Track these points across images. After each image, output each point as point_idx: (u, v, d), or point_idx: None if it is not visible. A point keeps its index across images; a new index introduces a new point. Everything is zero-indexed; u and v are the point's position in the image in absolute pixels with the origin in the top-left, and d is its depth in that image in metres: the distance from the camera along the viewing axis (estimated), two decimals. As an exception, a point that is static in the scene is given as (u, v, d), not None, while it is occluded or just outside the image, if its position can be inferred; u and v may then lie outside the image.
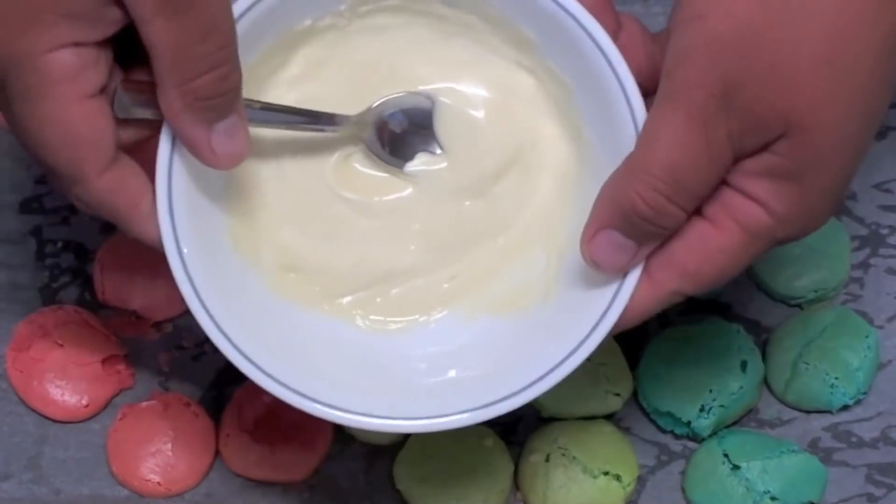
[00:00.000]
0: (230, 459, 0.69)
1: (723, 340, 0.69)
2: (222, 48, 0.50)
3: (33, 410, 0.70)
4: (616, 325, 0.54)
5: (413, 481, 0.68)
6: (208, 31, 0.50)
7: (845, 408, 0.70)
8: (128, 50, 0.52)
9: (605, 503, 0.67)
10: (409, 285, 0.60)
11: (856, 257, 0.73)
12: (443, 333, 0.60)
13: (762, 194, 0.50)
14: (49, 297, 0.72)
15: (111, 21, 0.50)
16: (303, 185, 0.59)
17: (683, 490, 0.69)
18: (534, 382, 0.54)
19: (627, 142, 0.53)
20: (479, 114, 0.60)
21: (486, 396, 0.55)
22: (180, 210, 0.54)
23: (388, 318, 0.60)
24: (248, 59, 0.55)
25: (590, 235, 0.53)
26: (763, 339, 0.72)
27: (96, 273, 0.71)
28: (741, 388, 0.68)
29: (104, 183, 0.52)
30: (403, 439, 0.69)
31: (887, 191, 0.75)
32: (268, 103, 0.56)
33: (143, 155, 0.55)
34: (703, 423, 0.68)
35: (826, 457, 0.69)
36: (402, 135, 0.59)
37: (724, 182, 0.51)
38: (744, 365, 0.69)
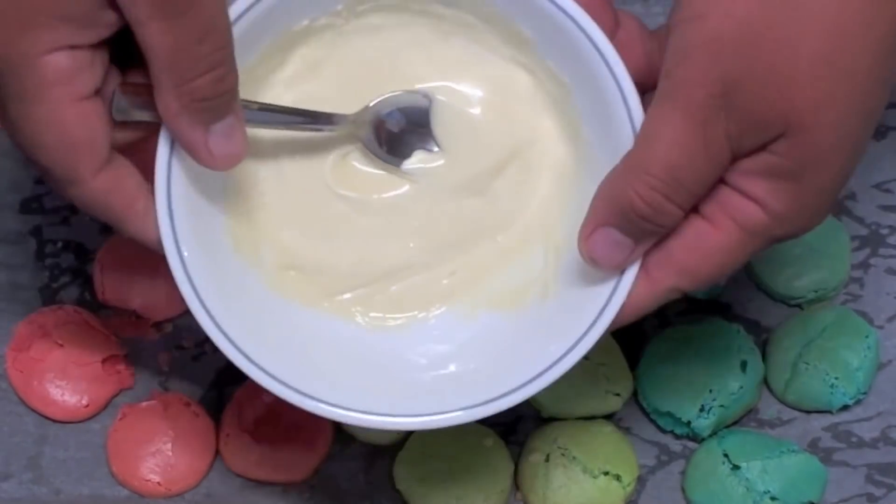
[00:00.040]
0: (230, 459, 0.69)
1: (723, 340, 0.69)
2: (219, 50, 0.50)
3: (33, 410, 0.70)
4: (613, 321, 0.54)
5: (413, 481, 0.68)
6: (205, 33, 0.50)
7: (845, 408, 0.70)
8: (125, 52, 0.52)
9: (605, 503, 0.67)
10: (408, 282, 0.60)
11: (856, 257, 0.73)
12: (442, 330, 0.60)
13: (760, 193, 0.51)
14: (49, 297, 0.72)
15: (107, 24, 0.50)
16: (301, 185, 0.59)
17: (683, 490, 0.69)
18: (532, 379, 0.54)
19: (625, 141, 0.53)
20: (477, 112, 0.60)
21: (484, 393, 0.55)
22: (179, 211, 0.54)
23: (388, 315, 0.60)
24: (245, 61, 0.55)
25: (587, 233, 0.53)
26: (763, 339, 0.72)
27: (96, 273, 0.71)
28: (741, 388, 0.68)
29: (99, 184, 0.52)
30: (403, 439, 0.69)
31: (887, 191, 0.75)
32: (265, 104, 0.57)
33: (141, 156, 0.55)
34: (703, 423, 0.68)
35: (826, 457, 0.69)
36: (399, 134, 0.59)
37: (721, 181, 0.51)
38: (744, 365, 0.69)
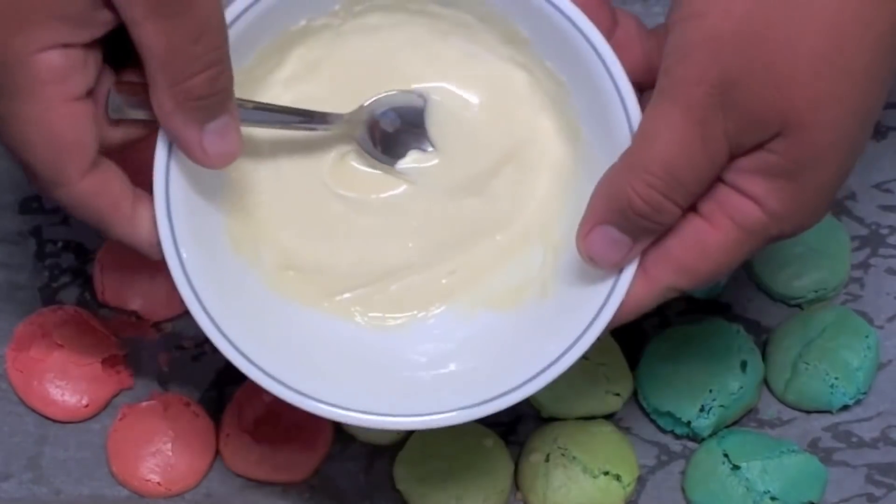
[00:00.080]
0: (230, 459, 0.69)
1: (723, 340, 0.69)
2: (214, 49, 0.50)
3: (33, 410, 0.70)
4: (612, 320, 0.54)
5: (413, 481, 0.68)
6: (200, 32, 0.50)
7: (845, 408, 0.70)
8: (119, 51, 0.52)
9: (605, 503, 0.67)
10: (407, 282, 0.60)
11: (856, 257, 0.73)
12: (441, 329, 0.60)
13: (757, 192, 0.51)
14: (49, 297, 0.72)
15: (101, 23, 0.50)
16: (300, 185, 0.59)
17: (683, 490, 0.69)
18: (531, 378, 0.54)
19: (623, 141, 0.54)
20: (474, 112, 0.60)
21: (483, 393, 0.55)
22: (178, 211, 0.54)
23: (387, 315, 0.60)
24: (243, 61, 0.55)
25: (586, 231, 0.53)
26: (763, 339, 0.72)
27: (96, 273, 0.71)
28: (741, 388, 0.68)
29: (85, 186, 0.52)
30: (403, 439, 0.69)
31: (887, 191, 0.75)
32: (260, 103, 0.57)
33: (139, 156, 0.55)
34: (703, 423, 0.68)
35: (826, 457, 0.69)
36: (393, 133, 0.59)
37: (719, 179, 0.52)
38: (744, 365, 0.69)
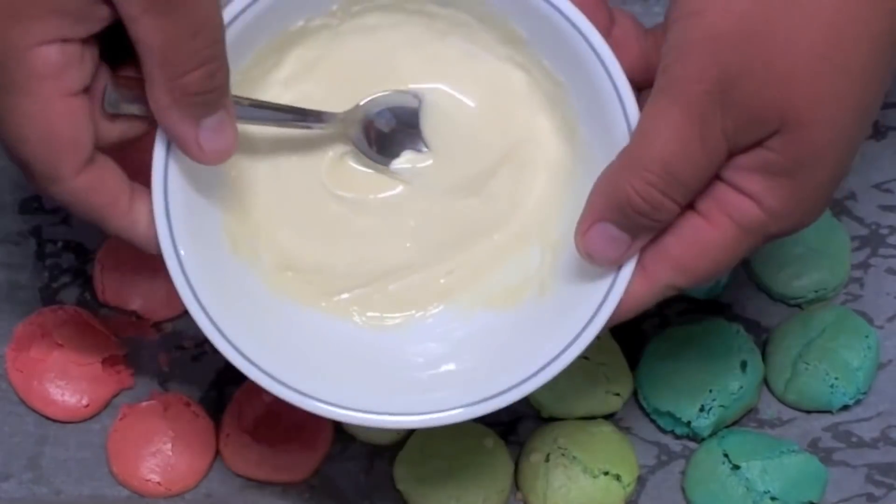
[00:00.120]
0: (230, 459, 0.69)
1: (723, 340, 0.69)
2: (211, 45, 0.51)
3: (33, 410, 0.70)
4: (610, 318, 0.54)
5: (413, 481, 0.68)
6: (197, 28, 0.50)
7: (845, 408, 0.70)
8: (114, 47, 0.52)
9: (605, 503, 0.67)
10: (405, 282, 0.60)
11: (856, 257, 0.73)
12: (439, 329, 0.60)
13: (755, 190, 0.51)
14: (49, 297, 0.72)
15: (99, 18, 0.50)
16: (298, 185, 0.60)
17: (683, 490, 0.69)
18: (530, 377, 0.54)
19: (621, 139, 0.54)
20: (470, 112, 0.60)
21: (482, 391, 0.55)
22: (176, 210, 0.54)
23: (385, 315, 0.60)
24: (241, 62, 0.55)
25: (584, 228, 0.53)
26: (763, 339, 0.72)
27: (96, 273, 0.71)
28: (741, 388, 0.68)
29: (81, 181, 0.52)
30: (403, 439, 0.69)
31: (887, 191, 0.75)
32: (256, 100, 0.57)
33: (136, 156, 0.55)
34: (703, 423, 0.68)
35: (826, 457, 0.69)
36: (389, 133, 0.59)
37: (717, 177, 0.52)
38: (744, 365, 0.69)
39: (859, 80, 0.49)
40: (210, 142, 0.53)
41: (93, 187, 0.52)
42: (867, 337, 0.70)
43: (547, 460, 0.68)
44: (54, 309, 0.70)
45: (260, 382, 0.55)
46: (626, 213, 0.52)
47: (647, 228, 0.52)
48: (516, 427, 0.70)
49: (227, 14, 0.53)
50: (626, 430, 0.70)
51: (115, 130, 0.53)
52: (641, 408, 0.71)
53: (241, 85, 0.55)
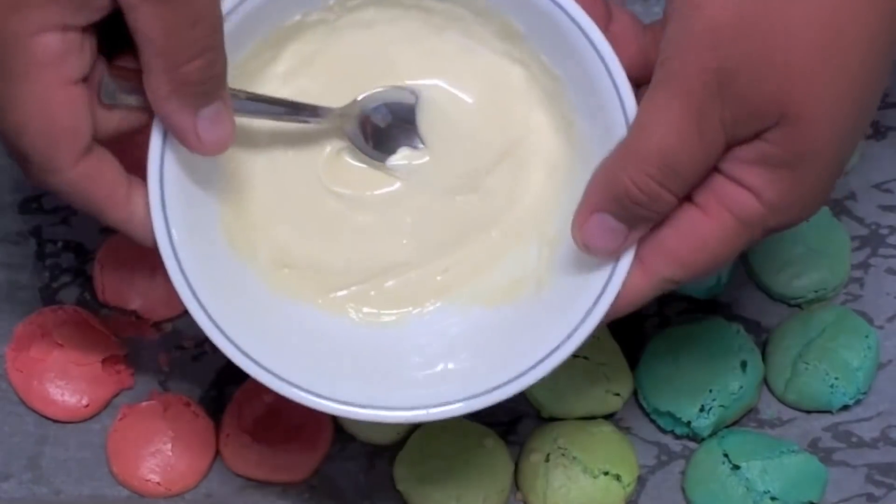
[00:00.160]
0: (230, 459, 0.69)
1: (723, 340, 0.69)
2: (210, 35, 0.51)
3: (33, 410, 0.70)
4: (609, 313, 0.54)
5: (413, 481, 0.68)
6: (197, 17, 0.50)
7: (845, 408, 0.70)
8: (111, 39, 0.52)
9: (605, 503, 0.67)
10: (402, 279, 0.60)
11: (856, 257, 0.73)
12: (436, 325, 0.60)
13: (754, 182, 0.51)
14: (49, 297, 0.72)
15: (98, 7, 0.50)
16: (295, 181, 0.59)
17: (683, 490, 0.69)
18: (529, 369, 0.54)
19: (619, 134, 0.54)
20: (467, 108, 0.60)
21: (482, 385, 0.55)
22: (173, 203, 0.54)
23: (382, 311, 0.60)
24: (238, 56, 0.55)
25: (581, 219, 0.53)
26: (763, 339, 0.72)
27: (96, 273, 0.71)
28: (741, 388, 0.68)
29: (79, 172, 0.52)
30: (403, 439, 0.69)
31: (887, 191, 0.75)
32: (252, 93, 0.56)
33: (132, 152, 0.55)
34: (703, 423, 0.68)
35: (826, 457, 0.69)
36: (385, 129, 0.59)
37: (715, 169, 0.51)
38: (744, 365, 0.69)
39: (858, 78, 0.49)
40: (208, 132, 0.53)
41: (90, 178, 0.52)
42: (867, 337, 0.70)
43: (547, 460, 0.68)
44: (54, 309, 0.70)
45: (259, 378, 0.55)
46: (623, 205, 0.52)
47: (645, 220, 0.52)
48: (516, 427, 0.70)
49: (225, 6, 0.53)
50: (626, 430, 0.70)
51: (112, 121, 0.53)
52: (641, 408, 0.71)
53: (238, 79, 0.55)
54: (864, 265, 0.73)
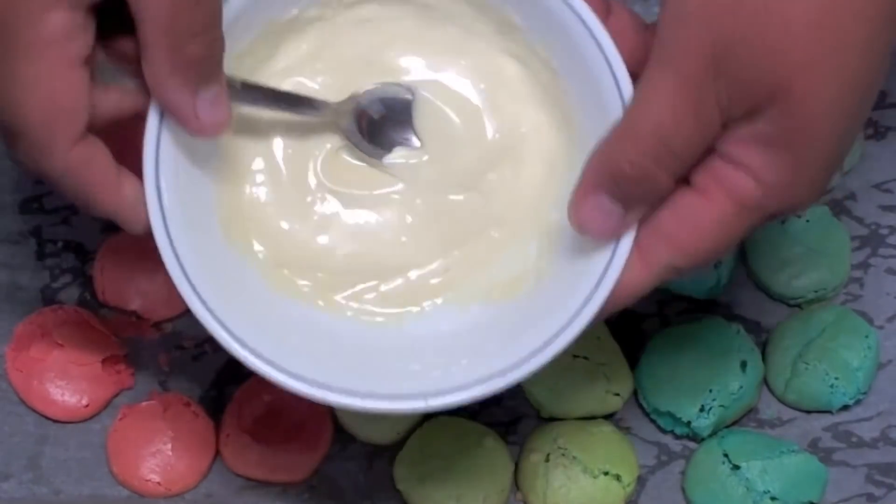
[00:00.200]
0: (230, 459, 0.69)
1: (723, 340, 0.69)
2: (212, 14, 0.51)
3: (33, 410, 0.70)
4: (609, 302, 0.53)
5: (413, 481, 0.68)
6: None
7: (845, 408, 0.70)
8: (103, 22, 0.52)
9: (605, 503, 0.67)
10: (402, 277, 0.60)
11: (856, 257, 0.73)
12: (436, 323, 0.59)
13: (751, 163, 0.50)
14: (49, 297, 0.72)
15: None
16: (293, 180, 0.59)
17: (683, 490, 0.69)
18: (529, 358, 0.53)
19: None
20: (465, 106, 0.60)
21: (480, 375, 0.54)
22: (168, 191, 0.53)
23: (382, 310, 0.60)
24: (236, 48, 0.55)
25: (577, 201, 0.52)
26: (763, 339, 0.72)
27: (96, 273, 0.71)
28: (741, 388, 0.68)
29: (74, 156, 0.52)
30: (403, 439, 0.69)
31: (887, 191, 0.75)
32: (248, 82, 0.56)
33: (127, 146, 0.55)
34: (703, 423, 0.68)
35: (826, 457, 0.69)
36: (380, 122, 0.59)
37: (713, 151, 0.51)
38: (744, 365, 0.69)
39: (854, 57, 0.49)
40: (207, 112, 0.53)
41: (84, 163, 0.52)
42: (867, 337, 0.70)
43: (547, 460, 0.68)
44: (54, 309, 0.70)
45: (255, 367, 0.54)
46: (618, 184, 0.51)
47: (641, 201, 0.52)
48: (516, 427, 0.70)
49: None
50: (626, 430, 0.70)
51: (106, 105, 0.53)
52: (641, 408, 0.71)
53: (236, 72, 0.55)
54: (864, 265, 0.73)
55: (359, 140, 0.59)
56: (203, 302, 0.54)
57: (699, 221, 0.51)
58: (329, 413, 0.69)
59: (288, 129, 0.59)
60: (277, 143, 0.59)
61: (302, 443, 0.68)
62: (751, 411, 0.70)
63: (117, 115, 0.54)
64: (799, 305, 0.72)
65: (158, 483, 0.68)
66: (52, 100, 0.50)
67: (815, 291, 0.72)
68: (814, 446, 0.70)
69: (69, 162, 0.52)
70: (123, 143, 0.54)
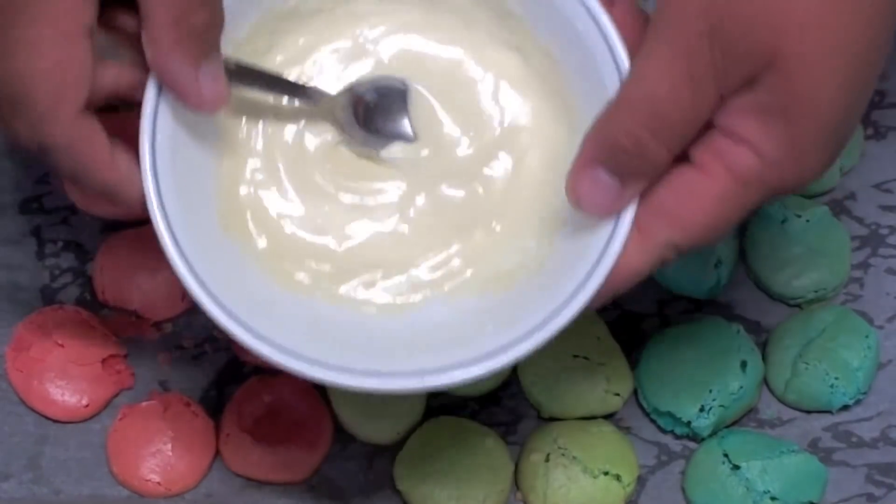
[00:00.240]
0: (230, 459, 0.69)
1: (723, 340, 0.69)
2: None
3: (33, 410, 0.70)
4: (609, 282, 0.52)
5: (413, 481, 0.68)
6: None
7: (845, 408, 0.70)
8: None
9: (605, 503, 0.67)
10: (402, 269, 0.59)
11: (856, 257, 0.73)
12: (436, 312, 0.59)
13: (750, 134, 0.49)
14: (49, 297, 0.72)
15: None
16: (293, 174, 0.59)
17: (683, 490, 0.69)
18: (526, 336, 0.53)
19: None
20: (463, 99, 0.60)
21: (477, 353, 0.53)
22: (164, 169, 0.53)
23: (382, 301, 0.59)
24: (234, 35, 0.55)
25: (574, 175, 0.52)
26: (763, 339, 0.72)
27: (96, 273, 0.71)
28: (741, 388, 0.68)
29: (77, 126, 0.52)
30: (403, 439, 0.69)
31: (887, 191, 0.75)
32: (242, 63, 0.56)
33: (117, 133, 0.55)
34: (703, 423, 0.68)
35: (826, 457, 0.69)
36: (375, 113, 0.59)
37: (711, 125, 0.50)
38: (744, 365, 0.69)
39: (853, 25, 0.48)
40: (209, 86, 0.53)
41: (84, 135, 0.52)
42: (867, 337, 0.70)
43: (547, 460, 0.68)
44: (54, 309, 0.70)
45: (250, 344, 0.53)
46: (614, 156, 0.50)
47: (638, 174, 0.51)
48: (516, 427, 0.70)
49: None
50: (626, 430, 0.70)
51: (105, 79, 0.53)
52: (641, 408, 0.71)
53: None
54: (864, 265, 0.73)
55: (356, 131, 0.59)
56: (195, 274, 0.53)
57: (699, 198, 0.50)
58: (329, 413, 0.69)
59: (286, 122, 0.59)
60: (277, 138, 0.59)
61: (302, 443, 0.68)
62: (751, 411, 0.70)
63: (114, 91, 0.54)
64: (799, 305, 0.72)
65: (158, 483, 0.68)
66: (61, 68, 0.50)
67: (815, 291, 0.72)
68: (814, 446, 0.70)
69: (71, 133, 0.52)
70: (112, 131, 0.54)
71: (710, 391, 0.68)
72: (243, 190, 0.59)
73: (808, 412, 0.70)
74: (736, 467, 0.67)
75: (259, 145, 0.59)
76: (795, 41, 0.48)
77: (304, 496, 0.69)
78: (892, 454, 0.70)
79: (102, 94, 0.53)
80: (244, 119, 0.59)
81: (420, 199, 0.60)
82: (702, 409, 0.68)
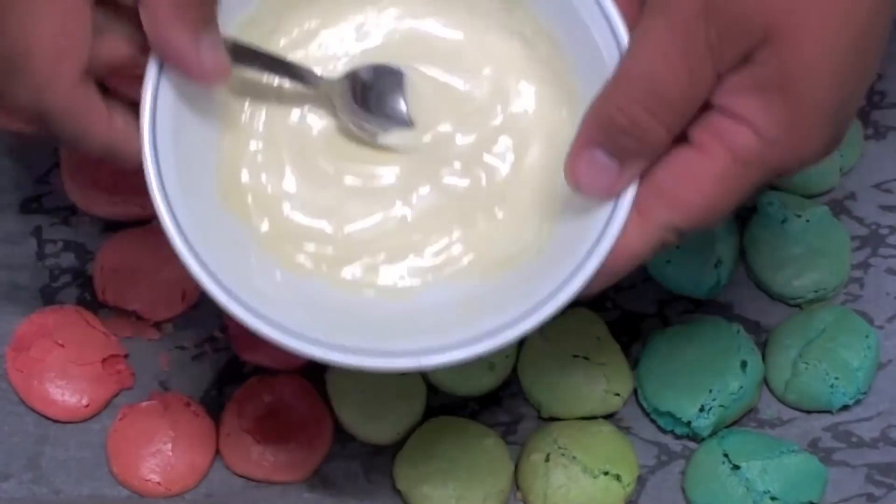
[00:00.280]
0: (230, 459, 0.69)
1: (723, 340, 0.69)
2: None
3: (33, 410, 0.70)
4: (609, 265, 0.52)
5: (413, 481, 0.68)
6: None
7: (845, 408, 0.70)
8: None
9: (605, 503, 0.67)
10: (403, 255, 0.59)
11: (856, 257, 0.73)
12: (435, 296, 0.58)
13: (748, 112, 0.48)
14: (49, 297, 0.72)
15: None
16: (295, 159, 0.59)
17: (683, 490, 0.69)
18: (522, 318, 0.52)
19: None
20: (465, 85, 0.60)
21: (474, 334, 0.53)
22: (166, 156, 0.53)
23: (382, 285, 0.59)
24: (238, 14, 0.55)
25: (572, 157, 0.51)
26: (763, 340, 0.72)
27: (96, 273, 0.71)
28: (741, 387, 0.68)
29: (75, 90, 0.52)
30: (403, 439, 0.69)
31: (887, 191, 0.75)
32: (239, 41, 0.56)
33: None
34: (703, 423, 0.68)
35: (826, 457, 0.69)
36: (373, 102, 0.59)
37: (710, 105, 0.49)
38: (744, 365, 0.69)
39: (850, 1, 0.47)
40: (210, 57, 0.52)
41: (81, 99, 0.52)
42: (867, 337, 0.70)
43: (547, 460, 0.68)
44: (54, 309, 0.70)
45: (247, 322, 0.53)
46: (611, 136, 0.50)
47: (635, 154, 0.50)
48: (516, 427, 0.70)
49: None
50: (626, 430, 0.70)
51: (103, 51, 0.53)
52: (641, 408, 0.71)
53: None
54: (864, 265, 0.73)
55: (354, 117, 0.59)
56: (195, 254, 0.52)
57: (698, 178, 0.50)
58: (329, 413, 0.69)
59: (289, 105, 0.59)
60: (279, 123, 0.59)
61: (302, 443, 0.68)
62: (751, 411, 0.70)
63: (111, 63, 0.54)
64: (799, 305, 0.72)
65: (158, 483, 0.68)
66: (67, 28, 0.51)
67: (815, 291, 0.72)
68: (814, 446, 0.70)
69: (70, 96, 0.52)
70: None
71: (710, 391, 0.68)
72: (245, 172, 0.59)
73: (808, 412, 0.70)
74: (736, 467, 0.67)
75: (261, 127, 0.59)
76: (790, 15, 0.47)
77: (304, 496, 0.69)
78: (892, 454, 0.70)
79: (100, 65, 0.53)
80: (247, 102, 0.58)
81: (422, 185, 0.60)
82: (702, 409, 0.68)
